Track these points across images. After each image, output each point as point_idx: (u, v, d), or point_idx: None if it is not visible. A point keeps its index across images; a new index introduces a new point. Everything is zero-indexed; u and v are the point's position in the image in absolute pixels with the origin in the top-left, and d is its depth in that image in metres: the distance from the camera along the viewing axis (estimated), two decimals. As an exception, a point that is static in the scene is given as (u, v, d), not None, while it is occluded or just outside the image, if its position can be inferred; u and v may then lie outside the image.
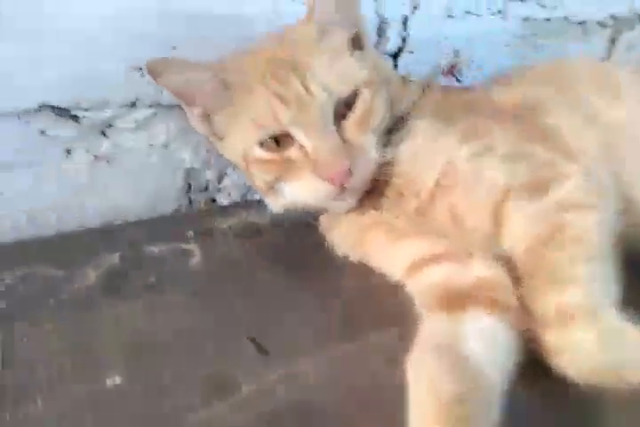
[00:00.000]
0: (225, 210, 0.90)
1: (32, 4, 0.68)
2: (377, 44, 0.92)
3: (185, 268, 0.74)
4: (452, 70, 0.71)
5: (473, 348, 0.49)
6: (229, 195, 0.96)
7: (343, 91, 0.65)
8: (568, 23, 1.09)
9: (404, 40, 0.94)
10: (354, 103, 0.66)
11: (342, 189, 0.64)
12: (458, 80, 0.70)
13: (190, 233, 0.82)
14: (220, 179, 0.94)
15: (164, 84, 0.67)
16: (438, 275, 0.60)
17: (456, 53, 1.01)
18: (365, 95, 0.66)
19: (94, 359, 0.59)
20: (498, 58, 1.06)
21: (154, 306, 0.67)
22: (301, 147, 0.65)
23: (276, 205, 0.73)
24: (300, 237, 0.78)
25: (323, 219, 0.77)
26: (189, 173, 0.90)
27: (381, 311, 0.65)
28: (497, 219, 0.62)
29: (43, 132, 0.76)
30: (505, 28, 1.03)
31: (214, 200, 0.96)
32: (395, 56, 0.95)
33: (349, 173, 0.63)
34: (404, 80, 0.76)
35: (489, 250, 0.61)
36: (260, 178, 0.70)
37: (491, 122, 0.69)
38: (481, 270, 0.58)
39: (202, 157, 0.90)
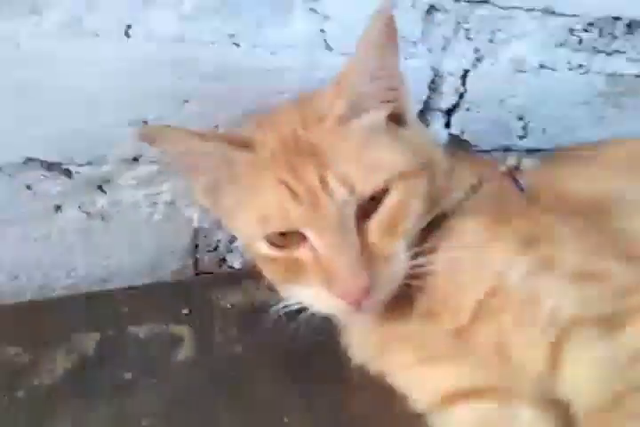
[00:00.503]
0: (232, 279, 0.78)
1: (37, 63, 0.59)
2: (428, 99, 0.78)
3: (169, 363, 0.63)
4: (513, 173, 0.56)
5: None
6: (242, 256, 0.84)
7: (369, 187, 0.51)
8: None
9: (461, 96, 0.79)
10: (381, 199, 0.52)
11: (357, 307, 0.51)
12: (520, 188, 0.55)
13: (185, 311, 0.71)
14: (232, 239, 0.82)
15: (162, 153, 0.56)
16: (477, 417, 0.50)
17: (520, 115, 0.86)
18: (397, 194, 0.52)
19: None
20: (571, 119, 0.90)
21: (121, 417, 0.56)
22: (313, 249, 0.52)
23: (287, 298, 0.60)
24: (312, 331, 0.64)
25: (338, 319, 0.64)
26: (198, 232, 0.79)
27: None
28: (554, 357, 0.49)
29: (29, 187, 0.66)
30: (586, 83, 0.87)
31: (225, 260, 0.84)
32: (449, 113, 0.81)
33: (368, 289, 0.50)
34: (460, 164, 0.61)
35: (540, 393, 0.50)
36: (268, 273, 0.59)
37: (557, 223, 0.55)
38: (534, 421, 0.48)
39: (212, 216, 0.78)
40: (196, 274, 0.83)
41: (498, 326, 0.51)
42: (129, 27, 0.58)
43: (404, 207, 0.53)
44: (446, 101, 0.78)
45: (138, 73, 0.61)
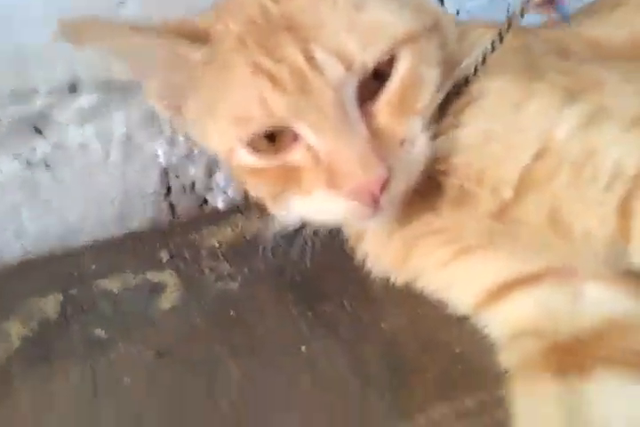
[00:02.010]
0: (215, 217, 0.67)
1: None
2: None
3: (152, 312, 0.52)
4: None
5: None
6: (224, 193, 0.71)
7: (371, 57, 0.40)
8: None
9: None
10: (387, 71, 0.41)
11: (375, 206, 0.41)
12: (563, 14, 0.43)
13: (165, 256, 0.59)
14: (210, 174, 0.70)
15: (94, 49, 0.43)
16: (534, 307, 0.43)
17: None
18: (407, 61, 0.41)
19: None
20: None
21: (97, 379, 0.45)
22: (309, 147, 0.41)
23: (283, 218, 0.49)
24: (318, 253, 0.52)
25: (350, 228, 0.54)
26: (167, 170, 0.67)
27: (446, 368, 0.43)
28: (623, 217, 0.41)
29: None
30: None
31: (206, 201, 0.72)
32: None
33: (386, 182, 0.40)
34: (464, 27, 0.50)
35: (611, 267, 0.42)
36: (254, 190, 0.48)
37: (598, 68, 0.45)
38: (604, 302, 0.41)
39: (181, 147, 0.66)
40: (175, 222, 0.71)
41: (551, 194, 0.42)
42: None
43: (417, 77, 0.42)
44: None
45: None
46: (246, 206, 0.68)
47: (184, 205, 0.70)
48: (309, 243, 0.49)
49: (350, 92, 0.40)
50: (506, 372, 0.40)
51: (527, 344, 0.40)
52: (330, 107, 0.40)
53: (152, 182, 0.67)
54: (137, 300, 0.53)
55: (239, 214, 0.66)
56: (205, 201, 0.71)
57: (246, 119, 0.42)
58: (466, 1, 0.71)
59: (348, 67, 0.40)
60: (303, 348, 0.46)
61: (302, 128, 0.41)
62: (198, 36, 0.43)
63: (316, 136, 0.41)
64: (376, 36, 0.41)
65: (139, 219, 0.67)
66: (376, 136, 0.41)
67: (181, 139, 0.66)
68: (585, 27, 0.54)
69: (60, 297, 0.53)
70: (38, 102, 0.57)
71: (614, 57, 0.50)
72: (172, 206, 0.70)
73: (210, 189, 0.71)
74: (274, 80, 0.40)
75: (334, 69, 0.39)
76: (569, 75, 0.44)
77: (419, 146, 0.43)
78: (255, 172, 0.45)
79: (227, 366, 0.45)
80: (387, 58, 0.41)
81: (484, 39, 0.46)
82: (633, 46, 0.51)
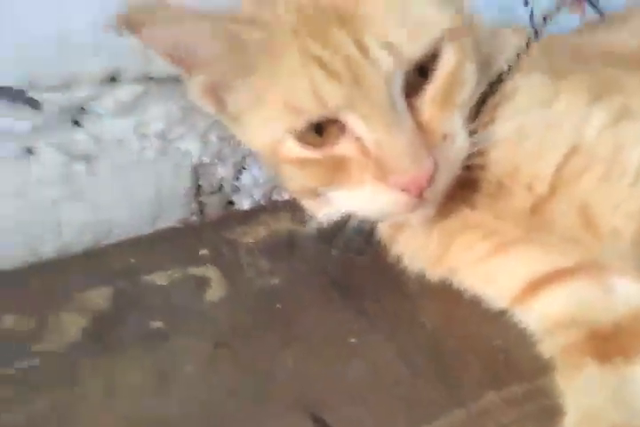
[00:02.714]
0: (247, 216, 0.69)
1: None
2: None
3: (201, 305, 0.54)
4: None
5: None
6: (251, 195, 0.74)
7: (418, 51, 0.42)
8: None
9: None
10: (431, 67, 0.44)
11: (420, 198, 0.44)
12: (598, 11, 0.47)
13: (204, 252, 0.61)
14: (237, 175, 0.72)
15: (148, 43, 0.45)
16: (569, 300, 0.46)
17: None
18: (451, 55, 0.44)
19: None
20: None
21: (161, 367, 0.47)
22: (358, 139, 0.43)
23: (318, 212, 0.52)
24: (353, 250, 0.56)
25: (384, 225, 0.56)
26: (197, 169, 0.69)
27: (489, 360, 0.47)
28: None
29: (-10, 126, 0.55)
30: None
31: (232, 203, 0.74)
32: None
33: (433, 174, 0.43)
34: (493, 28, 0.53)
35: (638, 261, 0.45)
36: (296, 182, 0.50)
37: (619, 72, 0.49)
38: (634, 295, 0.44)
39: (213, 146, 0.68)
40: (202, 221, 0.73)
41: (582, 190, 0.45)
42: None
43: (460, 73, 0.45)
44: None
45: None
46: (273, 207, 0.72)
47: (211, 205, 0.72)
48: (352, 240, 0.53)
49: (399, 85, 0.42)
50: (549, 361, 0.43)
51: (567, 334, 0.43)
52: (382, 98, 0.41)
53: (184, 181, 0.69)
54: (184, 293, 0.56)
55: (267, 214, 0.69)
56: (231, 202, 0.74)
57: (297, 109, 0.43)
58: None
59: (399, 60, 0.41)
60: (353, 339, 0.50)
61: (353, 119, 0.42)
62: (249, 21, 0.44)
63: (367, 127, 0.42)
64: (422, 30, 0.43)
65: (171, 218, 0.69)
66: (422, 129, 0.43)
67: (213, 138, 0.68)
68: (600, 35, 0.58)
69: (111, 290, 0.55)
70: (79, 92, 0.57)
71: (627, 64, 0.52)
72: (200, 206, 0.72)
73: (236, 190, 0.74)
74: (328, 70, 0.41)
75: (387, 62, 0.41)
76: (594, 75, 0.47)
77: (459, 141, 0.45)
78: (301, 164, 0.47)
79: (281, 356, 0.48)
80: (430, 53, 0.43)
81: (515, 39, 0.50)
82: None
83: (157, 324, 0.51)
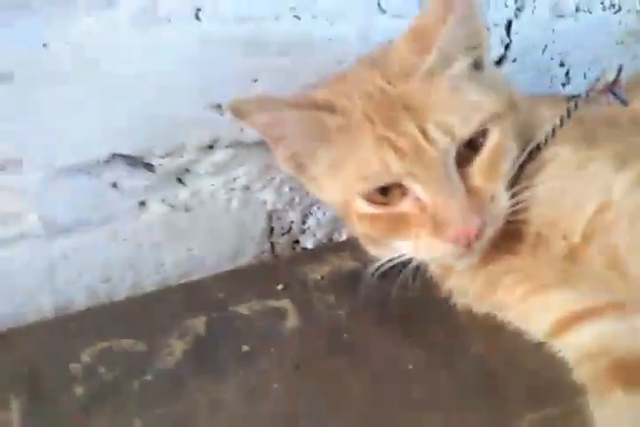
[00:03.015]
0: (313, 256, 0.80)
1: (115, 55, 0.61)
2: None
3: (280, 332, 0.64)
4: (611, 87, 0.56)
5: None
6: (314, 235, 0.85)
7: (468, 131, 0.53)
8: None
9: (506, 47, 0.81)
10: (479, 142, 0.54)
11: (469, 248, 0.53)
12: (622, 101, 0.55)
13: (280, 286, 0.72)
14: (304, 219, 0.83)
15: (251, 125, 0.58)
16: (598, 335, 0.52)
17: (563, 60, 0.87)
18: (495, 134, 0.54)
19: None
20: (608, 62, 0.91)
21: (252, 384, 0.57)
22: (417, 200, 0.54)
23: (378, 255, 0.62)
24: (406, 287, 0.65)
25: (435, 264, 0.65)
26: (271, 215, 0.81)
27: (530, 384, 0.54)
28: None
29: (114, 185, 0.68)
30: (619, 22, 0.89)
31: (298, 241, 0.85)
32: (496, 65, 0.82)
33: (481, 231, 0.52)
34: (530, 100, 0.62)
35: None
36: (362, 232, 0.60)
37: None
38: None
39: (285, 196, 0.80)
40: (273, 258, 0.84)
41: (610, 241, 0.52)
42: (199, 10, 0.61)
43: (502, 148, 0.54)
44: (494, 53, 0.80)
45: (208, 56, 0.63)
46: (335, 247, 0.83)
47: (281, 244, 0.83)
48: (408, 279, 0.62)
49: (452, 157, 0.52)
50: (582, 386, 0.49)
51: (596, 363, 0.49)
52: (439, 169, 0.51)
53: (260, 225, 0.80)
54: (266, 322, 0.66)
55: (331, 253, 0.79)
56: (297, 242, 0.85)
57: (369, 176, 0.54)
58: (516, 74, 0.83)
59: (452, 138, 0.52)
60: (410, 366, 0.58)
61: (414, 185, 0.53)
62: (327, 108, 0.55)
63: (425, 191, 0.52)
64: (471, 114, 0.53)
65: (247, 255, 0.81)
66: (471, 194, 0.53)
67: (286, 189, 0.80)
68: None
69: (204, 318, 0.66)
70: (185, 157, 0.70)
71: None
72: (272, 245, 0.83)
73: (302, 231, 0.85)
74: (395, 148, 0.52)
75: (443, 141, 0.51)
76: (619, 143, 0.55)
77: (502, 202, 0.54)
78: (369, 218, 0.57)
79: (349, 378, 0.57)
80: (479, 130, 0.53)
81: (551, 113, 0.59)
82: None
83: (246, 348, 0.62)
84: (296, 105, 0.55)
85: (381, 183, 0.54)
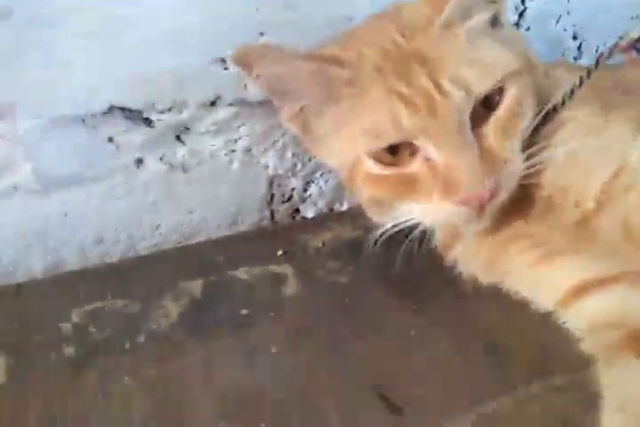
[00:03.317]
0: (314, 223, 0.78)
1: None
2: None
3: (280, 297, 0.62)
4: (636, 44, 0.54)
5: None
6: (315, 205, 0.83)
7: (485, 87, 0.50)
8: None
9: (520, 15, 0.78)
10: (495, 100, 0.52)
11: (481, 211, 0.51)
12: None
13: (280, 252, 0.69)
14: (305, 187, 0.81)
15: (257, 78, 0.54)
16: (612, 303, 0.49)
17: (577, 32, 0.85)
18: (513, 91, 0.52)
19: (189, 422, 0.47)
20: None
21: (250, 346, 0.55)
22: (428, 160, 0.51)
23: (383, 221, 0.59)
24: (410, 255, 0.63)
25: (439, 232, 0.63)
26: (272, 180, 0.78)
27: (536, 352, 0.52)
28: None
29: (111, 140, 0.65)
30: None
31: (298, 210, 0.83)
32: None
33: (494, 193, 0.50)
34: (547, 66, 0.60)
35: None
36: (368, 194, 0.58)
37: None
38: None
39: (287, 161, 0.77)
40: (273, 226, 0.82)
41: (626, 207, 0.50)
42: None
43: (519, 107, 0.52)
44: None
45: (214, 6, 0.60)
46: (337, 215, 0.81)
47: (281, 212, 0.81)
48: (413, 246, 0.60)
49: (466, 115, 0.50)
50: (590, 357, 0.47)
51: (610, 333, 0.47)
52: (452, 125, 0.49)
53: (261, 191, 0.78)
54: (265, 286, 0.64)
55: (333, 221, 0.77)
56: (297, 210, 0.83)
57: (378, 133, 0.51)
58: (529, 44, 0.82)
59: (468, 94, 0.49)
60: (412, 332, 0.57)
61: (425, 143, 0.50)
62: (336, 61, 0.52)
63: (437, 150, 0.50)
64: (488, 70, 0.51)
65: (247, 222, 0.78)
66: (484, 154, 0.50)
67: (289, 155, 0.77)
68: None
69: (201, 281, 0.64)
70: (185, 113, 0.67)
71: None
72: (272, 213, 0.81)
73: (303, 200, 0.82)
74: (407, 102, 0.49)
75: (457, 95, 0.49)
76: (635, 108, 0.53)
77: (516, 164, 0.52)
78: (376, 180, 0.54)
79: (351, 344, 0.55)
80: (497, 86, 0.51)
81: (568, 75, 0.57)
82: None
83: (244, 311, 0.60)
84: (304, 57, 0.53)
85: (391, 140, 0.51)
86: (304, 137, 0.61)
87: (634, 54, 0.54)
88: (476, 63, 0.51)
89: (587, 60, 0.88)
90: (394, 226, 0.58)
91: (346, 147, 0.56)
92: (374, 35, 0.54)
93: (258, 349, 0.55)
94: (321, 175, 0.80)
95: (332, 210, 0.84)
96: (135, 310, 0.61)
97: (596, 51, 0.89)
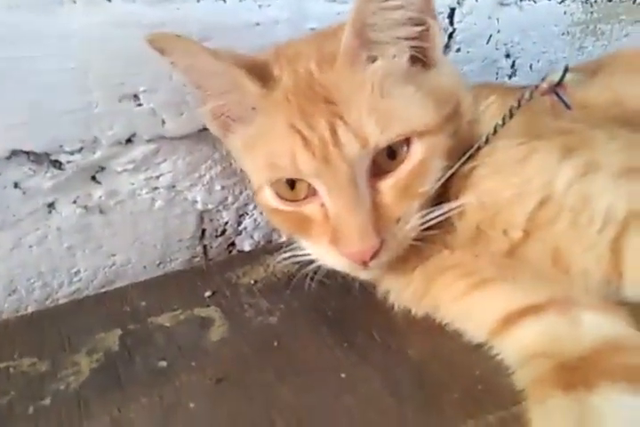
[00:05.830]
0: (250, 257, 0.74)
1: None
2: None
3: (203, 344, 0.58)
4: (556, 88, 0.52)
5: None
6: (252, 237, 0.79)
7: (385, 140, 0.48)
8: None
9: (450, 36, 0.77)
10: (402, 151, 0.49)
11: (365, 266, 0.50)
12: (565, 104, 0.51)
13: (208, 293, 0.65)
14: (239, 220, 0.77)
15: (174, 66, 0.52)
16: (540, 332, 0.47)
17: (509, 51, 0.85)
18: (419, 152, 0.49)
19: None
20: (554, 52, 0.89)
21: (166, 404, 0.51)
22: (323, 204, 0.50)
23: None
24: (344, 288, 0.60)
25: None
26: (203, 216, 0.74)
27: (469, 389, 0.49)
28: (615, 255, 0.48)
29: (17, 185, 0.61)
30: (565, 13, 0.86)
31: (234, 244, 0.79)
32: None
33: (377, 252, 0.49)
34: (475, 91, 0.57)
35: (604, 298, 0.48)
36: (275, 224, 0.59)
37: (589, 129, 0.53)
38: (599, 327, 0.45)
39: (217, 195, 0.74)
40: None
41: (553, 236, 0.49)
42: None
43: (425, 168, 0.50)
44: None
45: (120, 41, 0.57)
46: (273, 248, 0.77)
47: (215, 247, 0.77)
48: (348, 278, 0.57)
49: (363, 167, 0.48)
50: (522, 390, 0.44)
51: (538, 364, 0.44)
52: (343, 178, 0.47)
53: (190, 227, 0.74)
54: (189, 333, 0.59)
55: (268, 255, 0.74)
56: (233, 244, 0.79)
57: (278, 166, 0.49)
58: (461, 64, 0.81)
59: (364, 145, 0.47)
60: (343, 374, 0.53)
61: (320, 187, 0.49)
62: (261, 73, 0.50)
63: (329, 199, 0.48)
64: (393, 121, 0.47)
65: (177, 260, 0.74)
66: (377, 210, 0.48)
67: (218, 188, 0.74)
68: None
69: (119, 331, 0.59)
70: (98, 153, 0.63)
71: (599, 115, 0.57)
72: (204, 248, 0.77)
73: (238, 233, 0.78)
74: (306, 145, 0.47)
75: (351, 147, 0.47)
76: (564, 133, 0.52)
77: (411, 224, 0.50)
78: (275, 212, 0.54)
79: (277, 389, 0.51)
80: (399, 139, 0.48)
81: (495, 106, 0.55)
82: (606, 105, 0.59)
83: (162, 363, 0.55)
84: (216, 55, 0.49)
85: (288, 176, 0.50)
86: (225, 140, 0.59)
87: (554, 98, 0.53)
88: (380, 113, 0.47)
89: (521, 78, 0.88)
90: (293, 256, 0.57)
91: (254, 170, 0.54)
92: (299, 57, 0.52)
93: (174, 406, 0.50)
94: (254, 207, 0.77)
95: (270, 242, 0.81)
96: (44, 368, 0.56)
97: (530, 68, 0.89)
